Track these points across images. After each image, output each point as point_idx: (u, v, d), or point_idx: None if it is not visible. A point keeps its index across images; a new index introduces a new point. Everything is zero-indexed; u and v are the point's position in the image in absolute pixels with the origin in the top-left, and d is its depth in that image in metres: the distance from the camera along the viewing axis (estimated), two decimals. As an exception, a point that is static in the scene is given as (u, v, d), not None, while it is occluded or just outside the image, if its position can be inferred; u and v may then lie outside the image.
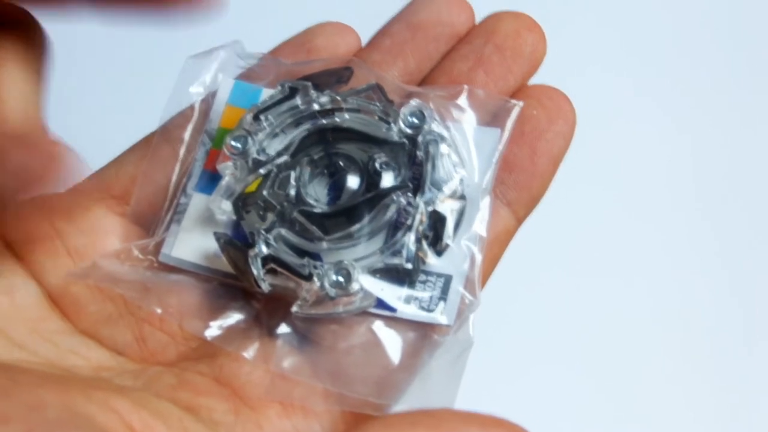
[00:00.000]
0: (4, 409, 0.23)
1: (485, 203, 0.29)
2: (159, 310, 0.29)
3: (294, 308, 0.28)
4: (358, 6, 0.43)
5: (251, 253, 0.28)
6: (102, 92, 0.54)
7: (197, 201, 0.31)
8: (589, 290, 0.54)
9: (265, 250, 0.28)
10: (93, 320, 0.29)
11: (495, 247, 0.30)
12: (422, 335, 0.28)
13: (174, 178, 0.31)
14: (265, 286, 0.28)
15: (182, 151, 0.31)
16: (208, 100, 0.32)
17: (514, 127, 0.30)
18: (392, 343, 0.28)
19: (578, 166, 0.36)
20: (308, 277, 0.28)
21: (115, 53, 0.55)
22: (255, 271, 0.28)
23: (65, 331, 0.29)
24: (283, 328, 0.29)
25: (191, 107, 0.32)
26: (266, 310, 0.29)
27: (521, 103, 0.31)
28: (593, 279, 0.54)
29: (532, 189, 0.30)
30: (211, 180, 0.31)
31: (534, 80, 0.32)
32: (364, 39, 0.33)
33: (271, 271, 0.28)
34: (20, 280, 0.29)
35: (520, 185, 0.30)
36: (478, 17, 0.33)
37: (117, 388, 0.27)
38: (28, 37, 0.27)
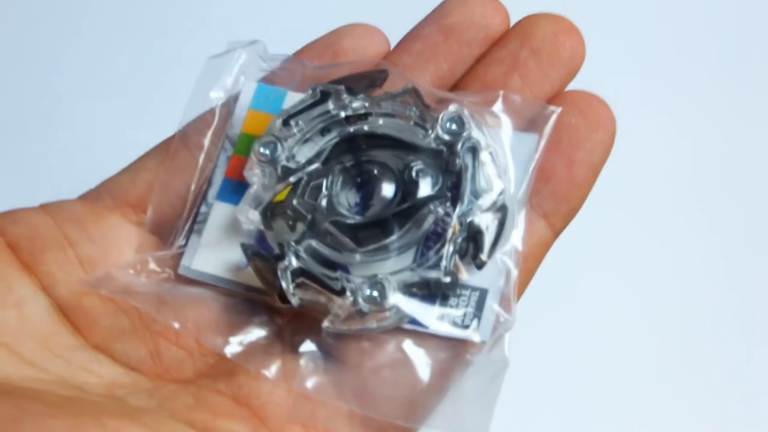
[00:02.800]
0: None
1: (521, 215, 0.29)
2: (176, 325, 0.28)
3: (325, 324, 0.28)
4: (386, 7, 0.42)
5: (281, 265, 0.28)
6: (117, 94, 0.53)
7: (219, 210, 0.30)
8: (600, 296, 0.54)
9: (295, 262, 0.28)
10: (105, 334, 0.28)
11: (530, 261, 0.30)
12: (454, 354, 0.28)
13: (193, 186, 0.30)
14: (294, 301, 0.28)
15: (202, 157, 0.31)
16: (230, 104, 0.32)
17: (551, 135, 0.30)
18: (422, 362, 0.28)
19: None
20: (341, 292, 0.27)
21: (132, 53, 0.54)
22: (285, 285, 0.27)
23: (77, 346, 0.28)
24: (307, 346, 0.28)
25: (211, 111, 0.31)
26: (289, 327, 0.29)
27: (559, 109, 0.30)
28: (605, 286, 0.54)
29: (570, 200, 0.30)
30: (233, 188, 0.30)
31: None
32: (392, 41, 0.33)
33: (301, 285, 0.28)
34: (29, 293, 0.28)
35: (557, 196, 0.30)
36: (513, 19, 0.32)
37: (130, 412, 0.26)
38: None
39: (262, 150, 0.29)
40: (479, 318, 0.28)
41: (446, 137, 0.29)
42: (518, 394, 0.37)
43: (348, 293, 0.27)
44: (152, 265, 0.29)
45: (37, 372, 0.27)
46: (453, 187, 0.29)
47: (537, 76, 0.31)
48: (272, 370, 0.27)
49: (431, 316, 0.28)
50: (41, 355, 0.27)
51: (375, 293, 0.27)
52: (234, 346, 0.28)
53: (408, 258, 0.28)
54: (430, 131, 0.29)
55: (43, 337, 0.27)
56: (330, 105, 0.30)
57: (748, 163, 0.58)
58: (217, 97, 0.31)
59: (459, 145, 0.29)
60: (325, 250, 0.28)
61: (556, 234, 0.30)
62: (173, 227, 0.30)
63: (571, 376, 0.52)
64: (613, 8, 0.60)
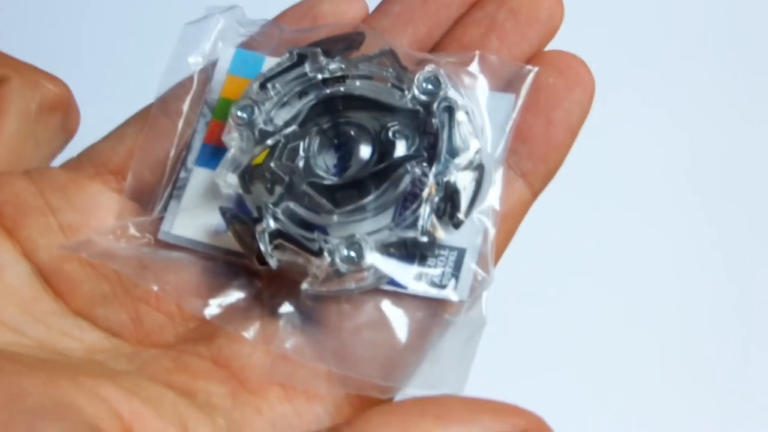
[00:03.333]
0: None
1: (498, 174, 0.29)
2: (156, 288, 0.28)
3: (304, 285, 0.28)
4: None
5: (259, 228, 0.28)
6: (95, 62, 0.53)
7: (198, 175, 0.30)
8: (596, 274, 0.54)
9: (272, 224, 0.28)
10: (87, 300, 0.28)
11: (509, 221, 0.30)
12: (432, 314, 0.28)
13: (173, 151, 0.31)
14: (273, 262, 0.28)
15: (181, 123, 0.31)
16: (208, 70, 0.32)
17: (528, 95, 0.30)
18: (400, 322, 0.28)
19: (580, 160, 0.36)
20: (319, 253, 0.28)
21: (110, 21, 0.54)
22: (263, 247, 0.28)
23: (58, 311, 0.28)
24: (286, 308, 0.28)
25: (190, 77, 0.31)
26: (269, 289, 0.29)
27: (536, 69, 0.30)
28: (600, 264, 0.54)
29: (548, 160, 0.30)
30: (212, 153, 0.30)
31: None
32: (372, 5, 0.33)
33: (279, 247, 0.28)
34: (11, 257, 0.28)
35: (535, 156, 0.30)
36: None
37: (109, 374, 0.26)
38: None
39: (239, 113, 0.29)
40: (457, 277, 0.28)
41: (422, 97, 0.29)
42: (496, 353, 0.37)
43: (326, 254, 0.27)
44: (132, 231, 0.29)
45: (18, 337, 0.27)
46: (430, 147, 0.29)
47: (514, 37, 0.31)
48: (251, 332, 0.27)
49: (409, 276, 0.28)
50: (22, 320, 0.27)
51: (352, 253, 0.27)
52: (213, 308, 0.28)
53: (386, 218, 0.29)
54: (406, 92, 0.29)
55: (24, 303, 0.28)
56: (307, 68, 0.30)
57: (744, 153, 0.58)
58: (195, 62, 0.32)
59: (435, 105, 0.29)
60: (302, 212, 0.29)
61: (535, 194, 0.30)
62: (153, 193, 0.30)
63: (552, 336, 0.53)
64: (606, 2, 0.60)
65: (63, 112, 0.33)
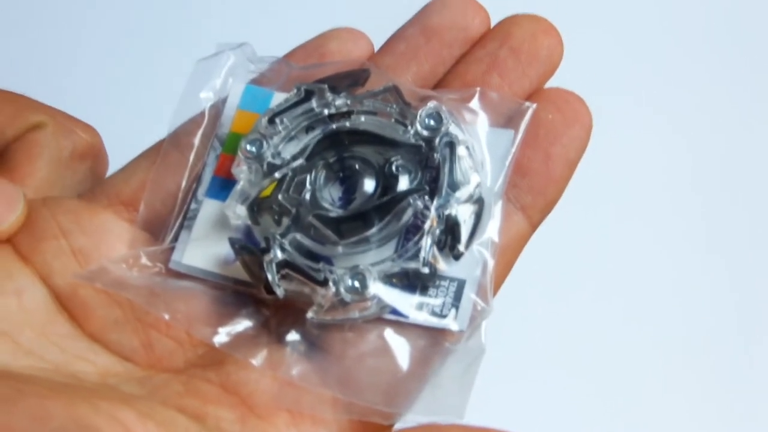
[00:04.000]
0: (7, 420, 0.23)
1: (498, 207, 0.30)
2: (167, 316, 0.29)
3: (309, 314, 0.29)
4: (371, 12, 0.43)
5: (266, 258, 0.29)
6: (108, 99, 0.54)
7: (208, 207, 0.31)
8: (592, 295, 0.54)
9: (280, 255, 0.29)
10: (100, 324, 0.29)
11: (508, 253, 0.31)
12: (433, 342, 0.29)
13: (184, 184, 0.32)
14: (279, 292, 0.29)
15: (192, 156, 0.32)
16: (218, 105, 0.33)
17: (528, 131, 0.31)
18: (402, 350, 0.29)
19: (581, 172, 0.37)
20: (324, 283, 0.28)
21: (122, 58, 0.55)
22: (270, 277, 0.29)
23: (72, 335, 0.29)
24: (293, 335, 0.29)
25: (201, 113, 0.32)
26: (276, 317, 0.30)
27: (534, 105, 0.31)
28: (598, 284, 0.55)
29: (547, 194, 0.31)
30: (221, 186, 0.31)
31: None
32: (377, 46, 0.34)
33: (285, 277, 0.29)
34: (28, 282, 0.29)
35: (534, 190, 0.31)
36: (493, 21, 0.33)
37: (123, 397, 0.27)
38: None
39: (248, 147, 0.30)
40: (457, 307, 0.29)
41: (425, 133, 0.30)
42: (495, 380, 0.38)
43: (330, 284, 0.28)
44: (144, 260, 0.30)
45: (34, 360, 0.28)
46: (432, 180, 0.30)
47: (515, 75, 0.32)
48: (259, 359, 0.28)
49: (411, 306, 0.29)
50: (39, 343, 0.28)
51: (356, 283, 0.28)
52: (222, 336, 0.29)
53: (389, 250, 0.30)
54: (409, 127, 0.30)
55: (41, 326, 0.29)
56: (314, 103, 0.31)
57: (743, 156, 0.59)
58: (206, 98, 0.33)
59: (437, 140, 0.30)
60: (308, 243, 0.30)
61: (534, 227, 0.31)
62: (164, 224, 0.31)
63: (549, 364, 0.53)
64: (602, 6, 0.61)
65: (93, 159, 0.34)
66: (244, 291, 0.30)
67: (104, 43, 0.55)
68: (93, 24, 0.57)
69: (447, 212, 0.29)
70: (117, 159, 0.33)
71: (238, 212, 0.30)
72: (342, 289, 0.28)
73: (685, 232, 0.57)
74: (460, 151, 0.30)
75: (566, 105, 0.31)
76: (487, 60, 0.32)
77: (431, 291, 0.29)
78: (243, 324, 0.29)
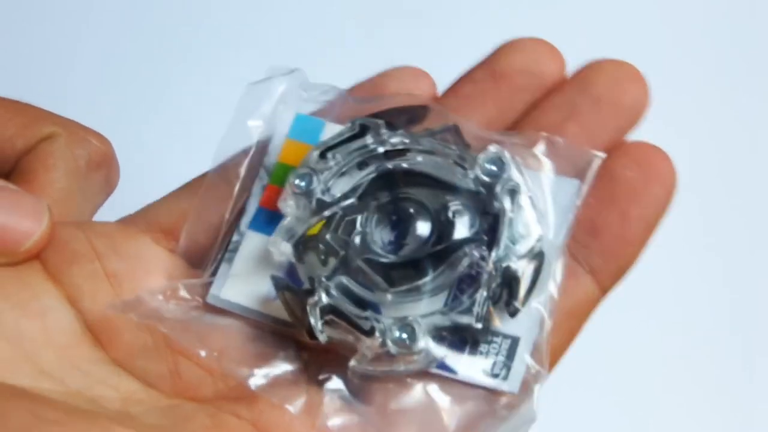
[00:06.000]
0: None
1: (559, 263, 0.29)
2: (203, 353, 0.28)
3: (352, 363, 0.28)
4: (435, 52, 0.42)
5: (310, 301, 0.28)
6: (157, 117, 0.54)
7: (251, 239, 0.30)
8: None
9: (325, 299, 0.28)
10: (127, 350, 0.29)
11: (574, 319, 0.29)
12: (481, 404, 0.28)
13: (227, 215, 0.31)
14: (322, 338, 0.28)
15: (237, 187, 0.31)
16: (267, 133, 0.32)
17: (603, 187, 0.29)
18: (449, 408, 0.28)
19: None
20: (370, 332, 0.27)
21: (175, 78, 0.55)
22: (313, 321, 0.28)
23: (97, 359, 0.28)
24: (333, 383, 0.28)
25: (249, 140, 0.31)
26: (316, 362, 0.29)
27: (603, 155, 0.30)
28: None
29: (620, 257, 0.29)
30: (266, 218, 0.30)
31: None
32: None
33: (329, 323, 0.28)
34: (54, 303, 0.29)
35: (606, 252, 0.29)
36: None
37: (144, 428, 0.26)
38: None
39: (297, 182, 0.29)
40: (509, 367, 0.28)
41: (485, 178, 0.29)
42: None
43: (377, 334, 0.27)
44: (182, 292, 0.30)
45: (55, 383, 0.27)
46: (489, 230, 0.28)
47: (595, 126, 0.30)
48: (296, 406, 0.27)
49: (460, 362, 0.28)
50: (60, 366, 0.28)
51: (404, 336, 0.27)
52: (258, 378, 0.28)
53: (440, 300, 0.28)
54: (469, 171, 0.29)
55: (63, 349, 0.28)
56: (369, 139, 0.30)
57: (742, 159, 0.57)
58: (255, 125, 0.32)
59: (498, 187, 0.29)
60: (356, 288, 0.28)
61: (604, 292, 0.29)
62: (205, 255, 0.30)
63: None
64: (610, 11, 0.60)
65: (107, 167, 0.34)
66: (283, 332, 0.29)
67: (156, 64, 0.55)
68: (146, 47, 0.57)
69: (504, 265, 0.28)
70: (163, 183, 0.32)
71: (282, 249, 0.29)
72: (389, 341, 0.27)
73: (685, 233, 0.56)
74: (522, 200, 0.29)
75: (648, 162, 0.29)
76: (565, 108, 0.31)
77: (482, 347, 0.28)
78: (281, 367, 0.29)
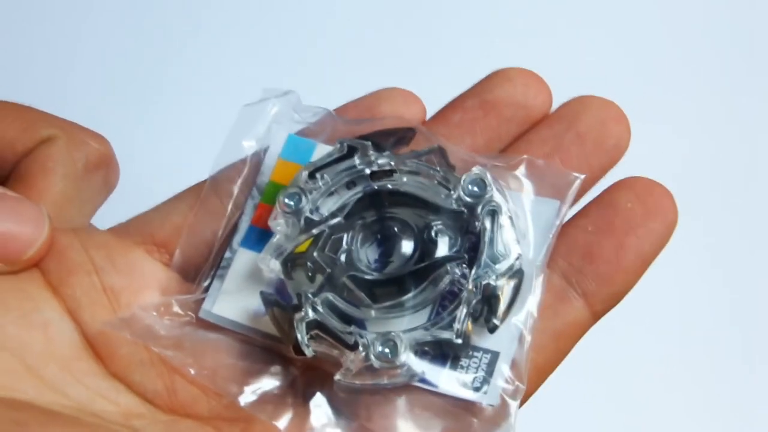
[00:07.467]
0: None
1: (539, 281, 0.29)
2: (192, 371, 0.29)
3: (337, 377, 0.28)
4: (426, 74, 0.43)
5: (297, 316, 0.29)
6: (152, 134, 0.55)
7: (242, 257, 0.31)
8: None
9: (311, 314, 0.29)
10: (125, 364, 0.29)
11: (563, 341, 0.30)
12: (461, 416, 0.28)
13: (220, 231, 0.32)
14: (308, 352, 0.28)
15: (231, 204, 0.32)
16: (260, 153, 0.33)
17: (603, 217, 0.30)
18: (430, 421, 0.28)
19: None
20: (354, 347, 0.28)
21: (170, 97, 0.56)
22: (299, 336, 0.28)
23: (96, 372, 0.29)
24: (319, 398, 0.29)
25: (242, 160, 0.32)
26: (303, 377, 0.30)
27: (582, 176, 0.31)
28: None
29: (613, 284, 0.30)
30: (258, 236, 0.31)
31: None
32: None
33: (315, 337, 0.29)
34: (55, 315, 0.29)
35: (600, 278, 0.30)
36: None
37: None
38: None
39: (286, 201, 0.30)
40: (489, 382, 0.28)
41: (467, 199, 0.30)
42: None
43: (360, 348, 0.28)
44: (176, 308, 0.31)
45: (58, 396, 0.28)
46: (471, 248, 0.29)
47: (578, 162, 0.31)
48: (284, 422, 0.28)
49: (441, 376, 0.28)
50: (62, 378, 0.28)
51: (387, 350, 0.28)
52: (248, 395, 0.29)
53: (422, 317, 0.29)
54: (452, 192, 0.30)
55: (65, 361, 0.29)
56: (356, 160, 0.31)
57: (742, 160, 0.58)
58: (249, 145, 0.33)
59: (479, 208, 0.30)
60: (341, 304, 0.29)
61: (596, 317, 0.30)
62: (198, 271, 0.31)
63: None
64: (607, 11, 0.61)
65: (105, 169, 0.34)
66: (271, 346, 0.30)
67: (104, 44, 0.56)
68: (142, 63, 0.58)
69: (485, 282, 0.29)
70: (155, 196, 0.33)
71: (272, 266, 0.30)
72: (372, 356, 0.28)
73: (684, 232, 0.56)
74: (503, 220, 0.29)
75: (649, 196, 0.30)
76: (551, 143, 0.32)
77: (463, 362, 0.29)
78: (269, 383, 0.29)
